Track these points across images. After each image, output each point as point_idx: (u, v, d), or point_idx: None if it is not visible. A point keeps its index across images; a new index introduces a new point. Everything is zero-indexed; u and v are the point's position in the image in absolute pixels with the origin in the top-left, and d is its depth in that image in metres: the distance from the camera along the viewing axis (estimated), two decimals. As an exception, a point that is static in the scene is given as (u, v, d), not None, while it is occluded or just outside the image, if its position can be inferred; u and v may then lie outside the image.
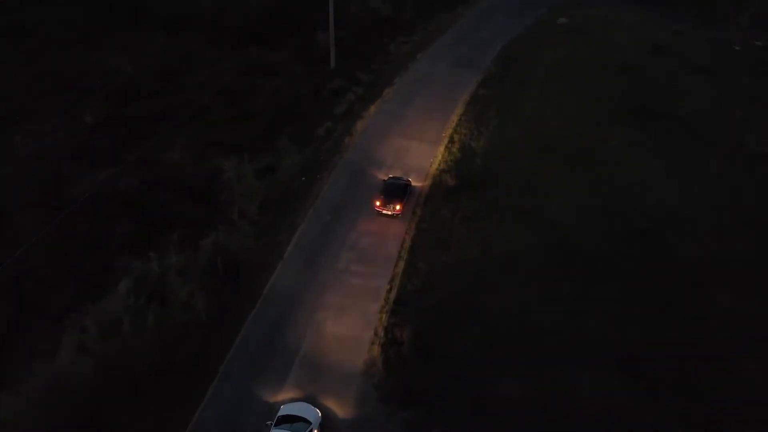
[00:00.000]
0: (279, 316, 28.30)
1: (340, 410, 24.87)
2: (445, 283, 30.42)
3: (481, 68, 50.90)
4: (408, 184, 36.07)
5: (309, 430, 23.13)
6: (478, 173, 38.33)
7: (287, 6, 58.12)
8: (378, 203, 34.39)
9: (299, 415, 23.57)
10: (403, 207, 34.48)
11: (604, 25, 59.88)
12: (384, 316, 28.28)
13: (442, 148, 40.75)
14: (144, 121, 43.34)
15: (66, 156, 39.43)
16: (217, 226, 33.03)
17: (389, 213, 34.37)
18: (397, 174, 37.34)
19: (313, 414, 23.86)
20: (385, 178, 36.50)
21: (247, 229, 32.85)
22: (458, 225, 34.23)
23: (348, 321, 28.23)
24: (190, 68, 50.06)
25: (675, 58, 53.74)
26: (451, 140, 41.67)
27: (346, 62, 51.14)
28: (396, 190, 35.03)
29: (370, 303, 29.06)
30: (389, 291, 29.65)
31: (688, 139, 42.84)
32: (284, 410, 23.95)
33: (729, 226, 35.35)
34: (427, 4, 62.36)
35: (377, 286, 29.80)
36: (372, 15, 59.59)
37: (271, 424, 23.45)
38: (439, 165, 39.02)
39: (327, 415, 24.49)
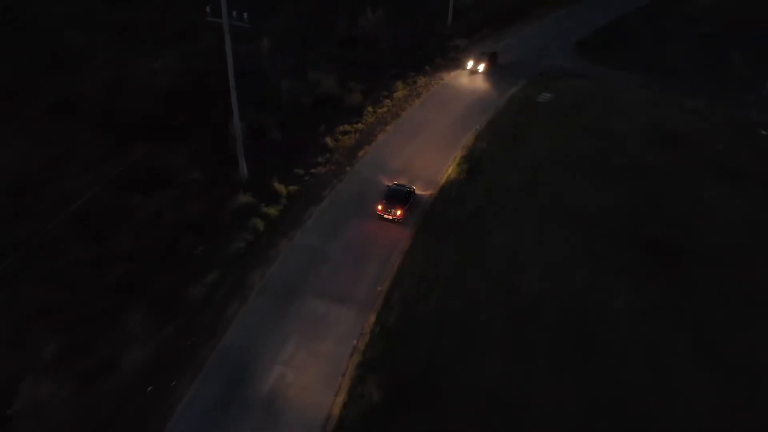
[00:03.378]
0: None
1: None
2: None
3: (437, 172, 37.25)
4: (411, 192, 33.80)
5: None
6: (421, 373, 24.29)
7: (202, 84, 44.50)
8: (380, 207, 32.61)
9: None
10: (404, 213, 32.45)
11: (597, 103, 46.55)
12: None
13: (372, 319, 26.75)
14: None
15: None
16: None
17: (390, 218, 32.43)
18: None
19: None
20: (390, 184, 34.54)
21: None
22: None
23: None
24: (55, 175, 36.19)
25: (691, 154, 40.24)
26: (387, 303, 27.71)
27: (265, 164, 37.40)
28: (398, 196, 33.08)
29: None
30: None
31: (720, 294, 28.98)
32: None
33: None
34: (379, 79, 48.93)
35: None
36: (311, 92, 46.07)
37: None
38: (363, 356, 24.95)
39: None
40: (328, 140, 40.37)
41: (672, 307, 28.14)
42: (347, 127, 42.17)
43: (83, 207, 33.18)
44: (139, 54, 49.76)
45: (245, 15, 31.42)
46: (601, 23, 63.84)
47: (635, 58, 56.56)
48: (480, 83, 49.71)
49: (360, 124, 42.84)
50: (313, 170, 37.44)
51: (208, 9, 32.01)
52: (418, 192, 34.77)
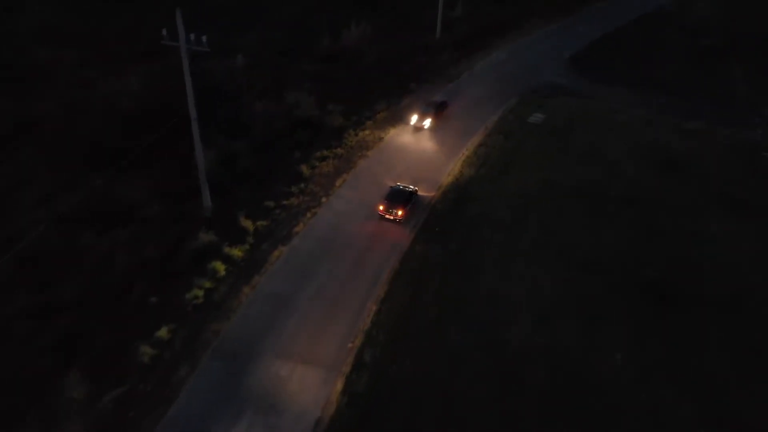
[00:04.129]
0: None
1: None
2: None
3: (421, 206, 34.24)
4: (414, 193, 33.63)
5: None
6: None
7: (170, 107, 41.32)
8: (381, 207, 32.49)
9: None
10: (405, 214, 32.32)
11: (592, 124, 43.66)
12: None
13: (339, 386, 23.65)
14: None
15: None
16: None
17: (391, 218, 32.28)
18: None
19: None
20: (393, 185, 34.39)
21: None
22: None
23: None
24: (3, 211, 33.11)
25: (692, 181, 37.33)
26: (358, 364, 24.59)
27: (233, 196, 34.39)
28: (400, 196, 32.90)
29: None
30: None
31: (727, 345, 26.02)
32: None
33: None
34: (362, 98, 45.93)
35: None
36: (288, 115, 42.98)
37: None
38: (327, 432, 21.85)
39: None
40: (304, 168, 37.33)
41: (675, 363, 25.14)
42: (325, 153, 39.14)
43: (29, 248, 30.01)
44: (106, 72, 46.72)
45: (204, 38, 28.39)
46: (596, 36, 60.97)
47: (631, 73, 53.70)
48: (451, 117, 46.71)
49: (339, 149, 39.78)
50: (285, 202, 34.40)
51: (164, 32, 28.96)
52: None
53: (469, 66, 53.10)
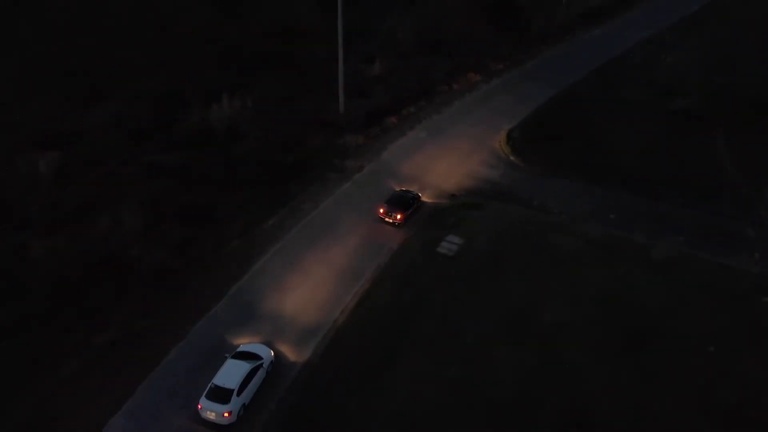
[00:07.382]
0: None
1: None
2: None
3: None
4: (416, 198, 33.47)
5: (259, 364, 22.84)
6: None
7: None
8: (381, 210, 32.13)
9: (254, 352, 23.52)
10: (404, 218, 31.92)
11: (526, 256, 30.48)
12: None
13: None
14: None
15: None
16: None
17: (390, 221, 31.88)
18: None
19: (266, 353, 23.65)
20: (397, 189, 34.26)
21: None
22: None
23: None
24: None
25: (667, 377, 24.20)
26: None
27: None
28: (400, 200, 32.73)
29: None
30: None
31: None
32: (242, 348, 23.86)
33: None
34: (218, 211, 32.52)
35: None
36: (92, 249, 29.08)
37: (228, 356, 23.13)
38: None
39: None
40: (72, 366, 23.53)
41: None
42: (140, 323, 25.53)
43: None
44: None
45: None
46: (546, 97, 47.91)
47: (586, 154, 40.67)
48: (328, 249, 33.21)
49: (153, 319, 26.07)
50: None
51: None
52: None
53: (376, 152, 39.63)
